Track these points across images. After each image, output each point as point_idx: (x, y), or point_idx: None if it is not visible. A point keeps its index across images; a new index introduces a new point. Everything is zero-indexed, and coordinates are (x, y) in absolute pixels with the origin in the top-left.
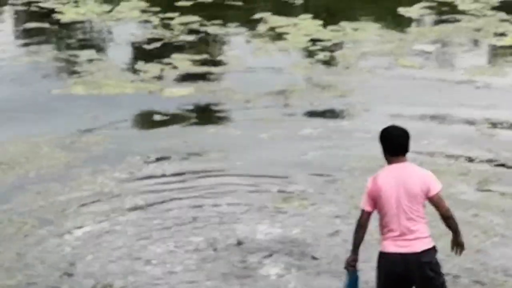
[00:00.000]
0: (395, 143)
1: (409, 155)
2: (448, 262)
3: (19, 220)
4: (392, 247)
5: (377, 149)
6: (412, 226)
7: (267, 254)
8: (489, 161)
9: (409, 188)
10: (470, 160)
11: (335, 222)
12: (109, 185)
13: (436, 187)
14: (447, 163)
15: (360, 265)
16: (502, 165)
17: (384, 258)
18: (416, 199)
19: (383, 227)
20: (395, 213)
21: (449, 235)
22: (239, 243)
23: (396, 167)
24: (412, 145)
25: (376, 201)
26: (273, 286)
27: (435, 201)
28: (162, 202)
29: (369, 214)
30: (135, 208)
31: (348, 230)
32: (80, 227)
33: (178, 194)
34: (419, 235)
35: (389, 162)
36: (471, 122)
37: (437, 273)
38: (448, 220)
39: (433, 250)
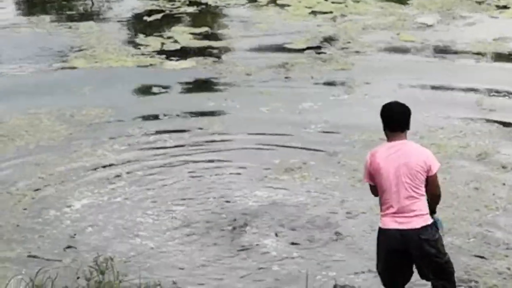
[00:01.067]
0: (395, 119)
1: (410, 127)
2: (448, 236)
3: (19, 192)
4: (391, 223)
5: (378, 122)
6: (411, 203)
7: (263, 224)
8: (489, 133)
9: (409, 166)
10: (470, 133)
11: (335, 193)
12: (108, 157)
13: (435, 166)
14: (447, 136)
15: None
16: (502, 138)
17: (384, 235)
18: (416, 177)
19: (383, 204)
20: (394, 190)
21: (448, 210)
22: (235, 220)
23: (396, 144)
24: (412, 118)
25: (374, 177)
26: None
27: (432, 179)
28: (162, 174)
29: (373, 186)
30: (134, 180)
31: (350, 203)
32: (79, 199)
33: (178, 166)
34: (418, 212)
35: (389, 138)
36: (471, 95)
37: (439, 251)
38: (436, 198)
39: (432, 226)
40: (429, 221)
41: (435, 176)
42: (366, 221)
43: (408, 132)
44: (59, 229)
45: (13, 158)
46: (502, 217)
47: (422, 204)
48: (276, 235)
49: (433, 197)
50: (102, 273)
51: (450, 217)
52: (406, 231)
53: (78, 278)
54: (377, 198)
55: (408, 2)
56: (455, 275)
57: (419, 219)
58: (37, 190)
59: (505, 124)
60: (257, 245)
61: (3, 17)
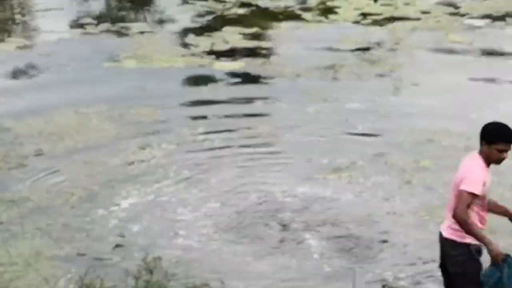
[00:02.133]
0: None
1: (458, 129)
2: (496, 237)
3: (67, 191)
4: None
5: (426, 122)
6: (450, 214)
7: (309, 221)
8: None
9: (456, 178)
10: None
11: (381, 194)
12: (156, 157)
13: (466, 184)
14: None
15: None
16: None
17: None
18: (454, 190)
19: None
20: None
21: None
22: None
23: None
24: (459, 119)
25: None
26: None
27: (455, 194)
28: (209, 173)
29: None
30: (180, 180)
31: (395, 203)
32: (126, 198)
33: (225, 166)
34: (451, 223)
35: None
36: None
37: (463, 273)
38: (455, 217)
39: (463, 245)
40: (461, 239)
41: (460, 192)
42: (411, 222)
43: (455, 133)
44: (107, 228)
45: (62, 156)
46: None
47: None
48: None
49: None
50: (151, 272)
51: (497, 218)
52: (441, 234)
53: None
54: (422, 198)
55: (457, 4)
56: None
57: (449, 229)
58: (85, 189)
59: None
60: (302, 242)
61: (54, 18)
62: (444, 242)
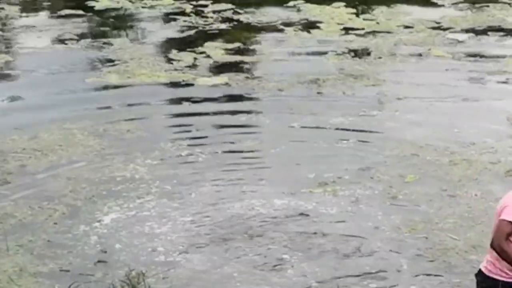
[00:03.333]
0: None
1: (442, 144)
2: (478, 252)
3: (50, 207)
4: None
5: (411, 137)
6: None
7: (289, 238)
8: None
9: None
10: (501, 149)
11: (367, 210)
12: (140, 172)
13: (504, 213)
14: (478, 152)
15: None
16: None
17: None
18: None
19: None
20: None
21: (478, 227)
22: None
23: None
24: (443, 134)
25: None
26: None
27: (495, 226)
28: (192, 188)
29: None
30: (163, 194)
31: (377, 218)
32: (108, 214)
33: (209, 180)
34: (488, 255)
35: None
36: (502, 112)
37: None
38: (493, 245)
39: (492, 279)
40: (491, 274)
41: (499, 221)
42: (391, 237)
43: (441, 147)
44: (90, 244)
45: (46, 172)
46: None
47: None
48: None
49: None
50: (134, 287)
51: (479, 233)
52: None
53: None
54: (405, 214)
55: (439, 18)
56: None
57: (485, 260)
58: (67, 205)
59: None
60: (283, 257)
61: (36, 33)
62: (478, 273)
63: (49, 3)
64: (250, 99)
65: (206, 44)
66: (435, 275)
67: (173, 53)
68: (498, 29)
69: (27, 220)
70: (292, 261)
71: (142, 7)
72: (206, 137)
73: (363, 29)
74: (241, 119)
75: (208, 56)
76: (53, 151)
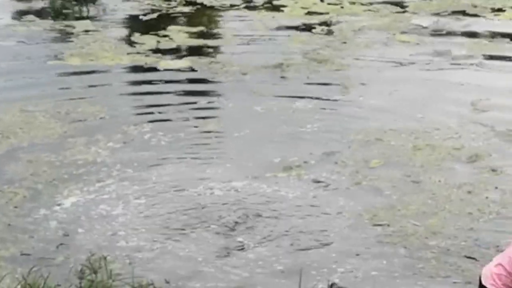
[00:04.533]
0: None
1: (406, 128)
2: (438, 238)
3: (10, 190)
4: None
5: (374, 122)
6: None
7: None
8: (483, 136)
9: None
10: (465, 135)
11: (330, 195)
12: (102, 155)
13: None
14: (442, 138)
15: None
16: (495, 140)
17: None
18: None
19: None
20: None
21: (440, 214)
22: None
23: None
24: (407, 119)
25: None
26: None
27: None
28: (154, 171)
29: None
30: (123, 178)
31: (338, 203)
32: (68, 198)
33: (172, 164)
34: None
35: None
36: (467, 97)
37: None
38: None
39: None
40: None
41: None
42: (353, 224)
43: (404, 133)
44: (50, 228)
45: (6, 156)
46: (495, 221)
47: None
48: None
49: None
50: (95, 272)
51: (442, 220)
52: None
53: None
54: (367, 200)
55: (404, 3)
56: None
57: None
58: (28, 188)
59: (498, 126)
60: (245, 242)
61: None
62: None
63: None
64: (214, 82)
65: (169, 27)
66: (396, 260)
67: (136, 36)
68: (464, 14)
69: None
70: (252, 245)
71: None
72: (169, 120)
73: (327, 13)
74: (204, 102)
75: (171, 40)
76: (14, 134)
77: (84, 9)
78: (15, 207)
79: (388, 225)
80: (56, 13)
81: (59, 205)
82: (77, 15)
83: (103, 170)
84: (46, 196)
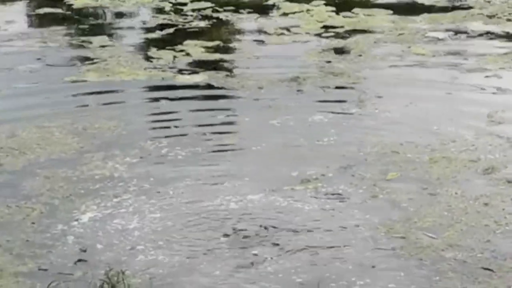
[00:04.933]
0: None
1: (422, 141)
2: (455, 250)
3: (27, 206)
4: None
5: (391, 134)
6: None
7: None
8: (500, 147)
9: None
10: (482, 147)
11: (347, 208)
12: (119, 170)
13: None
14: (458, 150)
15: None
16: (510, 153)
17: None
18: None
19: None
20: None
21: (457, 226)
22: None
23: None
24: (423, 131)
25: None
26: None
27: None
28: (170, 186)
29: None
30: (141, 192)
31: (354, 216)
32: (86, 213)
33: (190, 177)
34: None
35: None
36: (482, 109)
37: None
38: None
39: None
40: None
41: None
42: (369, 237)
43: (421, 145)
44: (68, 243)
45: (23, 171)
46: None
47: None
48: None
49: None
50: (114, 286)
51: (459, 232)
52: None
53: None
54: (384, 213)
55: (419, 16)
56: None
57: None
58: (45, 204)
59: None
60: (264, 255)
61: (14, 31)
62: None
63: (26, 1)
64: (230, 97)
65: (186, 42)
66: (414, 272)
67: (152, 51)
68: (478, 27)
69: (4, 219)
70: (270, 259)
71: (121, 5)
72: (186, 134)
73: (342, 27)
74: (221, 117)
75: (188, 54)
76: (31, 150)
77: (101, 28)
78: (33, 223)
79: (404, 238)
80: (73, 32)
81: (76, 220)
82: (94, 32)
83: (120, 185)
84: (63, 211)
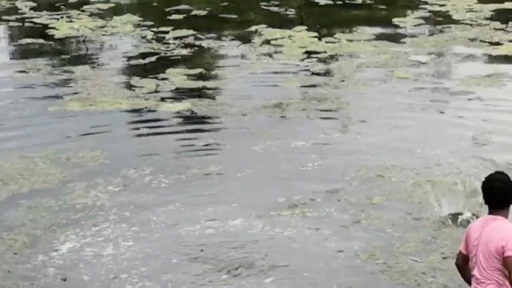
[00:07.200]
0: (491, 196)
1: (406, 165)
2: (437, 273)
3: (10, 237)
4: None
5: (375, 158)
6: (482, 284)
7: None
8: (483, 171)
9: (487, 246)
10: (466, 170)
11: (329, 233)
12: (101, 199)
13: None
14: (442, 173)
15: None
16: None
17: None
18: (490, 260)
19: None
20: (473, 264)
21: (444, 248)
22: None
23: (489, 219)
24: (408, 155)
25: (467, 244)
26: None
27: (507, 264)
28: (154, 214)
29: (463, 256)
30: (123, 221)
31: (336, 243)
32: (65, 243)
33: (174, 205)
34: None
35: (489, 211)
36: (466, 132)
37: None
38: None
39: None
40: None
41: (509, 260)
42: (346, 264)
43: (405, 169)
44: (49, 275)
45: (6, 202)
46: None
47: None
48: None
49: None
50: None
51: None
52: None
53: None
54: (366, 239)
55: (401, 40)
56: None
57: None
58: (27, 234)
59: (499, 160)
60: (247, 284)
61: None
62: None
63: (9, 32)
64: (213, 124)
65: (168, 70)
66: None
67: (135, 80)
68: (460, 50)
69: None
70: (253, 284)
71: (103, 35)
72: (169, 162)
73: (325, 52)
74: (204, 144)
75: (170, 82)
76: (14, 180)
77: (83, 57)
78: (15, 253)
79: (386, 263)
80: (55, 62)
81: (56, 250)
82: (76, 62)
83: (100, 214)
84: (44, 242)
